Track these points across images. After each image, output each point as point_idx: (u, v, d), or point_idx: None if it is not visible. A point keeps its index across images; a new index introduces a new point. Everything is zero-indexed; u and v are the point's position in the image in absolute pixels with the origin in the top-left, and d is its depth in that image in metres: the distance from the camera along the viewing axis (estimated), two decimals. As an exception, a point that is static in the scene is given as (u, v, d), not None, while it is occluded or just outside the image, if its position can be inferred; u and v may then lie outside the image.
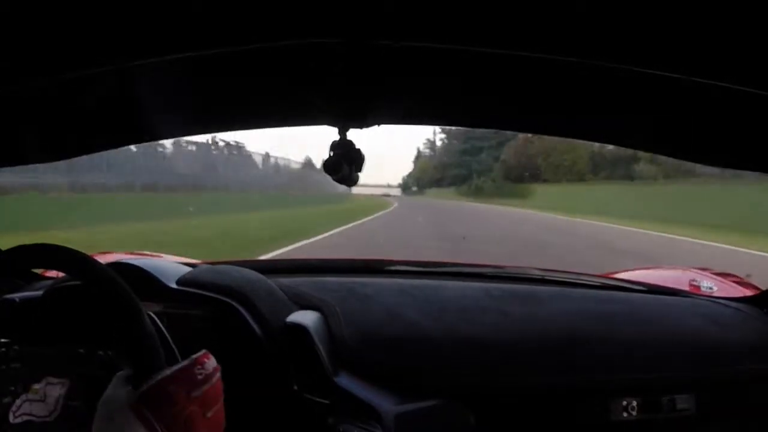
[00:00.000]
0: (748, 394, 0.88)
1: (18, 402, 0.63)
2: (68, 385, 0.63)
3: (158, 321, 0.69)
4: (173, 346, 0.68)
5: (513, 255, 6.82)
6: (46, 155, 0.92)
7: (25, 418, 0.62)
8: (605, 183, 23.49)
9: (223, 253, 6.07)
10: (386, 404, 0.75)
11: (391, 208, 20.63)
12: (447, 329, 0.85)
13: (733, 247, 8.23)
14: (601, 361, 0.85)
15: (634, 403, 0.83)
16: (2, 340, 0.67)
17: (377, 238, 9.37)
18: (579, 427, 0.84)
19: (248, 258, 1.88)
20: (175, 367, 0.55)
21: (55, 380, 0.63)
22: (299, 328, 0.76)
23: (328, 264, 1.22)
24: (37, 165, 0.97)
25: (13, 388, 0.64)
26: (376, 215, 15.68)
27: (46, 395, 0.63)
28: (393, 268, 1.13)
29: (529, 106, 0.80)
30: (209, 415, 0.55)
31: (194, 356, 0.57)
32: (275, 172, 20.12)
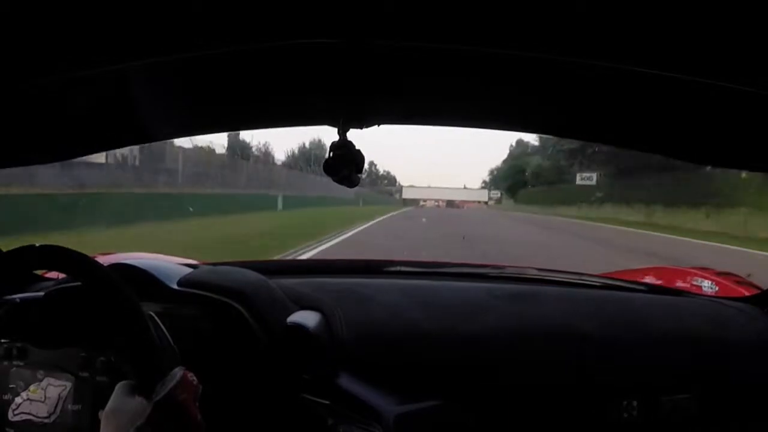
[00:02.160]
0: (749, 394, 0.88)
1: (18, 400, 0.63)
2: (69, 389, 0.63)
3: (159, 322, 0.69)
4: (174, 347, 0.68)
5: None
6: (47, 156, 0.92)
7: (25, 416, 0.63)
8: None
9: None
10: (386, 405, 0.75)
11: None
12: (448, 330, 0.85)
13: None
14: (602, 362, 0.85)
15: (634, 404, 0.83)
16: (4, 340, 0.67)
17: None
18: (579, 427, 0.83)
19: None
20: (179, 375, 0.55)
21: (56, 382, 0.63)
22: (300, 329, 0.76)
23: (329, 265, 1.22)
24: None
25: (13, 386, 0.64)
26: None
27: (46, 396, 0.63)
28: (393, 268, 1.13)
29: (530, 106, 0.80)
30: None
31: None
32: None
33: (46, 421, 0.62)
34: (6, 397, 0.64)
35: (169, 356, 0.64)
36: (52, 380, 0.63)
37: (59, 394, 0.63)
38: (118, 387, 0.55)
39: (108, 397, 0.55)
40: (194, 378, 0.57)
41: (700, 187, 16.73)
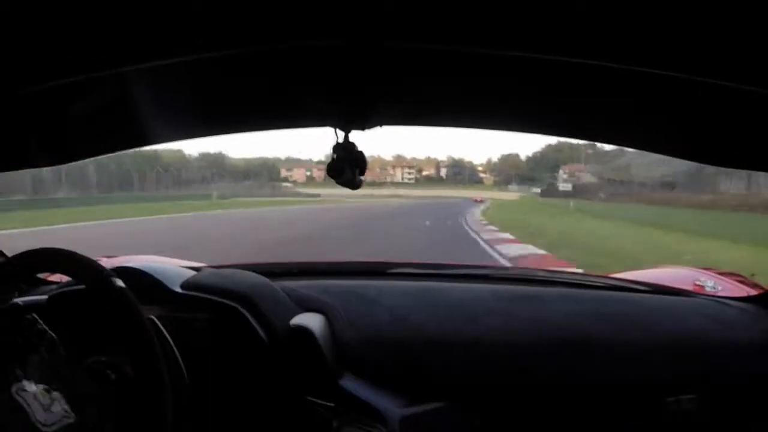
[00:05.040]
0: (753, 394, 0.87)
1: (27, 386, 0.62)
2: (71, 424, 0.61)
3: (161, 326, 0.69)
4: (177, 352, 0.68)
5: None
6: (50, 159, 0.92)
7: (24, 404, 0.62)
8: None
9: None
10: (391, 407, 0.75)
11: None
12: (452, 331, 0.85)
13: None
14: (606, 362, 0.85)
15: (639, 404, 0.83)
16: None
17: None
18: (583, 427, 0.83)
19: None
20: None
21: (65, 405, 0.62)
22: (303, 331, 0.76)
23: (332, 267, 1.22)
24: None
25: (28, 370, 0.63)
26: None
27: (50, 408, 0.62)
28: (397, 270, 1.13)
29: (532, 107, 0.80)
30: None
31: None
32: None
33: (38, 425, 0.61)
34: (18, 372, 0.63)
35: (170, 357, 0.64)
36: (62, 402, 0.62)
37: (62, 418, 0.62)
38: None
39: None
40: None
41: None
